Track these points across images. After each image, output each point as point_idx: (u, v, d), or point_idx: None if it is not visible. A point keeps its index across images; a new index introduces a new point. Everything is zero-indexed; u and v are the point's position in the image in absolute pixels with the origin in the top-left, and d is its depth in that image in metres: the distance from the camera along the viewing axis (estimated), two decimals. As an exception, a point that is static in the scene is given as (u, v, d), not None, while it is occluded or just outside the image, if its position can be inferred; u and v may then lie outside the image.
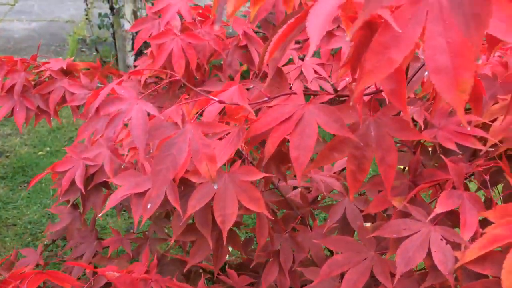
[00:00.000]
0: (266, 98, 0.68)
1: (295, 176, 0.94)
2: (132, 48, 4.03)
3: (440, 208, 0.69)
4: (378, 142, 0.73)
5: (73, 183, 1.11)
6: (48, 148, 3.66)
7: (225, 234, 0.83)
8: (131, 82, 1.38)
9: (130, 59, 4.10)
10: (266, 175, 0.86)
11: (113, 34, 4.20)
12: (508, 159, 0.91)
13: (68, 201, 1.26)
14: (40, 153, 3.61)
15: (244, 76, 1.46)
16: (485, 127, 0.88)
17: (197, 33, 1.19)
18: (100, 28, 4.18)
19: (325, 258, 0.95)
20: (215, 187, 0.73)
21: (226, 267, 1.16)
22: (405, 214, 0.75)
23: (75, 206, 1.37)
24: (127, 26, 3.98)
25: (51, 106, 1.32)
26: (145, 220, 0.76)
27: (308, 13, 0.44)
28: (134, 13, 3.83)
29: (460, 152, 0.87)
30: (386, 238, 0.79)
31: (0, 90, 1.30)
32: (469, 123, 0.81)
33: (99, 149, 1.12)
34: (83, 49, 5.11)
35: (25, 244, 2.83)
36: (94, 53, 4.71)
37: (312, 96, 0.71)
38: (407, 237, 0.70)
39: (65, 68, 1.36)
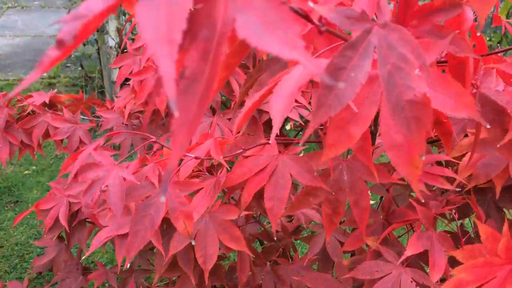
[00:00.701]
0: (241, 150, 0.70)
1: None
2: (117, 65, 4.03)
3: (409, 251, 0.72)
4: (352, 187, 0.76)
5: (57, 219, 1.13)
6: (34, 167, 3.64)
7: (206, 274, 0.86)
8: (114, 113, 1.40)
9: (115, 75, 4.11)
10: (247, 213, 0.89)
11: (98, 50, 4.21)
12: (480, 191, 0.95)
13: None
14: (26, 172, 3.59)
15: (226, 105, 1.49)
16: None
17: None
18: (84, 44, 4.18)
19: (306, 292, 0.98)
20: (193, 242, 0.75)
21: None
22: (379, 253, 0.78)
23: (60, 238, 1.38)
24: (111, 42, 3.99)
25: (35, 140, 1.33)
26: (128, 263, 0.78)
27: (271, 92, 0.47)
28: (118, 30, 3.83)
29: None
30: (362, 275, 0.82)
31: (-17, 126, 1.31)
32: (439, 162, 0.84)
33: (82, 186, 1.14)
34: (68, 65, 5.10)
35: (12, 266, 2.82)
36: (79, 69, 4.70)
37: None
38: (380, 278, 0.73)
39: (47, 102, 1.37)
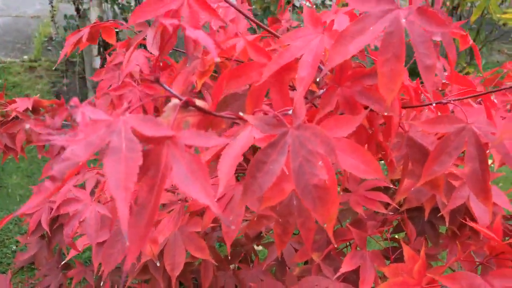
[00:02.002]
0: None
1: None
2: (99, 52, 4.06)
3: (344, 268, 0.85)
4: (299, 211, 0.88)
5: (39, 223, 1.23)
6: (14, 153, 3.68)
7: (174, 281, 0.98)
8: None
9: (96, 62, 4.14)
10: (213, 225, 1.01)
11: (80, 36, 4.23)
12: (417, 210, 1.09)
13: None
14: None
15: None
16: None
17: (154, 84, 1.31)
18: (66, 30, 4.19)
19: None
20: (157, 264, 0.87)
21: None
22: (321, 268, 0.91)
23: (42, 236, 1.48)
24: (93, 30, 4.01)
25: (18, 145, 1.42)
26: (105, 274, 0.89)
27: (221, 154, 0.59)
28: (100, 18, 3.86)
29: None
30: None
31: (-32, 130, 1.39)
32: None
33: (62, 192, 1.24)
34: (49, 48, 5.09)
35: (-8, 251, 2.89)
36: (60, 52, 4.70)
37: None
38: (319, 292, 0.86)
39: (30, 108, 1.45)
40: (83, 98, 4.13)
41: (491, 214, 0.81)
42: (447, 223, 0.95)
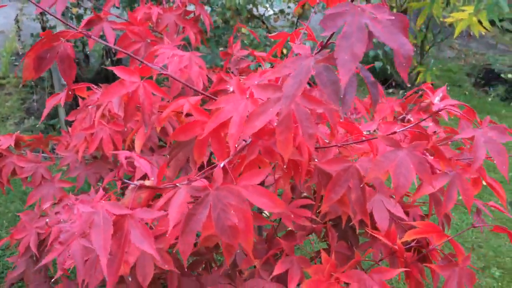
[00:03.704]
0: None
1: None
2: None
3: (276, 271, 1.11)
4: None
5: (28, 246, 1.45)
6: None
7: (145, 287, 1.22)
8: (70, 152, 1.71)
9: (65, 78, 4.30)
10: (175, 241, 1.25)
11: (47, 53, 4.36)
12: (336, 219, 1.36)
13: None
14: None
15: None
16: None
17: (120, 121, 1.54)
18: (32, 48, 4.32)
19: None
20: (129, 279, 1.11)
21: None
22: (260, 273, 1.17)
23: (30, 256, 1.70)
24: (60, 48, 4.17)
25: (4, 178, 1.63)
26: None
27: (170, 205, 0.83)
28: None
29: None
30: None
31: (-41, 168, 1.59)
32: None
33: (46, 219, 1.46)
34: (16, 64, 5.19)
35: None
36: (28, 69, 4.79)
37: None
38: (258, 291, 1.12)
39: (13, 144, 1.66)
40: (53, 114, 4.27)
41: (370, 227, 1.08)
42: (357, 230, 1.22)
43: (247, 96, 0.98)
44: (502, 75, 6.01)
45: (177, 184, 0.71)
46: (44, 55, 0.89)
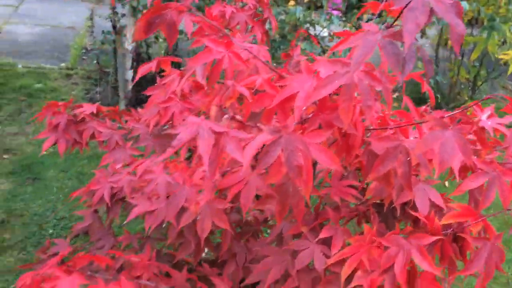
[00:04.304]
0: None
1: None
2: (131, 66, 4.54)
3: (321, 235, 1.26)
4: (293, 195, 1.29)
5: (101, 198, 1.65)
6: (51, 149, 4.15)
7: (202, 241, 1.39)
8: (141, 124, 1.93)
9: (129, 74, 4.62)
10: (231, 205, 1.42)
11: (114, 49, 4.70)
12: (378, 205, 1.48)
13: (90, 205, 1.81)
14: (45, 152, 4.09)
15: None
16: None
17: (191, 100, 1.74)
18: (103, 43, 4.68)
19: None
20: (198, 217, 1.28)
21: (202, 262, 1.70)
22: (307, 236, 1.32)
23: (95, 211, 1.91)
24: (127, 45, 4.52)
25: (84, 140, 1.86)
26: (152, 228, 1.30)
27: (247, 145, 1.00)
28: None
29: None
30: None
31: (48, 126, 1.83)
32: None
33: (119, 176, 1.66)
34: (84, 57, 5.60)
35: (32, 233, 3.32)
36: (95, 62, 5.15)
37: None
38: (302, 250, 1.27)
39: (95, 112, 1.89)
40: (114, 105, 4.59)
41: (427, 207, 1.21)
42: (398, 213, 1.35)
43: (314, 76, 1.15)
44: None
45: (258, 124, 0.87)
46: (154, 20, 1.09)
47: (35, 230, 3.36)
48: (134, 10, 4.41)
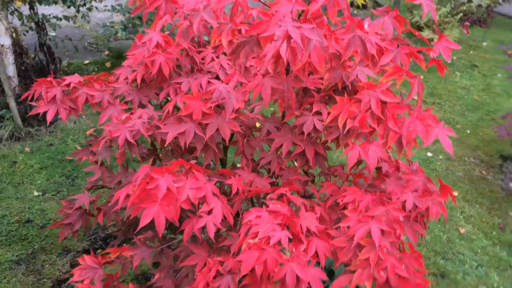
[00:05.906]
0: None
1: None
2: (14, 61, 4.45)
3: (315, 109, 1.89)
4: (289, 89, 1.89)
5: (126, 140, 2.02)
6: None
7: (227, 140, 1.91)
8: (121, 83, 2.28)
9: (10, 70, 4.53)
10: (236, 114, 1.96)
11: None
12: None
13: (96, 162, 2.17)
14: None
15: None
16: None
17: (170, 51, 2.17)
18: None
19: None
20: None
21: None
22: (303, 113, 1.94)
23: (101, 164, 2.25)
24: (3, 41, 4.41)
25: (79, 105, 2.15)
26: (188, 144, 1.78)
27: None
28: (15, 30, 4.27)
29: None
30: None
31: (45, 99, 2.08)
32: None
33: (133, 121, 2.04)
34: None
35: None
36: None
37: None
38: (305, 122, 1.89)
39: (82, 80, 2.19)
40: (2, 106, 4.46)
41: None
42: (350, 87, 2.04)
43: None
44: None
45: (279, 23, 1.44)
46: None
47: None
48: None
